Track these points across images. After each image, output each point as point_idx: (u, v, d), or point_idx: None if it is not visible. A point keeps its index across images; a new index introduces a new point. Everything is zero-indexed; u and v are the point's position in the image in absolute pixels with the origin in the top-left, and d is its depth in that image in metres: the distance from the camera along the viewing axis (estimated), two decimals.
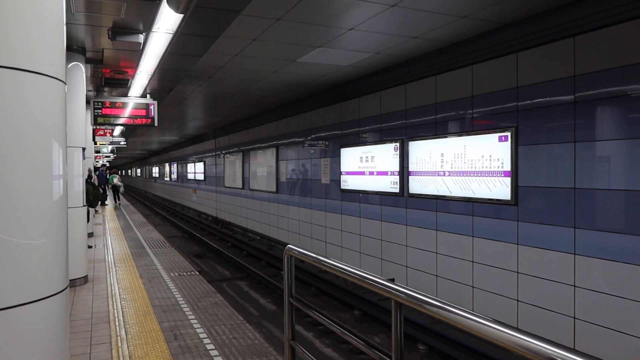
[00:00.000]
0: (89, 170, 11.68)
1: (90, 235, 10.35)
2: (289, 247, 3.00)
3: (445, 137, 6.35)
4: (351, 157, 8.58)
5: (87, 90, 8.33)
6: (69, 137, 6.15)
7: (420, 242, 6.90)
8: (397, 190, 7.32)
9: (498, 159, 5.57)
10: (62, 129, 2.01)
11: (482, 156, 5.78)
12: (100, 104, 7.80)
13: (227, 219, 16.73)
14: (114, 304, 5.34)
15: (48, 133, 1.91)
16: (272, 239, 12.37)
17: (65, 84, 2.03)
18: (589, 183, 4.65)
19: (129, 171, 59.52)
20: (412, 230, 7.10)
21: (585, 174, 4.68)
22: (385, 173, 7.64)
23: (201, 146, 20.64)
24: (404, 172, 7.22)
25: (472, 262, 5.98)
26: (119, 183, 22.15)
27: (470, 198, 5.95)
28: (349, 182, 8.68)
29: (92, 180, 11.27)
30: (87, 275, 6.42)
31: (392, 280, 2.11)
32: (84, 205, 6.47)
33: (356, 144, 8.46)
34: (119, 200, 22.31)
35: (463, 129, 6.13)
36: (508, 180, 5.44)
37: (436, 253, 6.59)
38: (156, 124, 8.11)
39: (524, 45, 5.27)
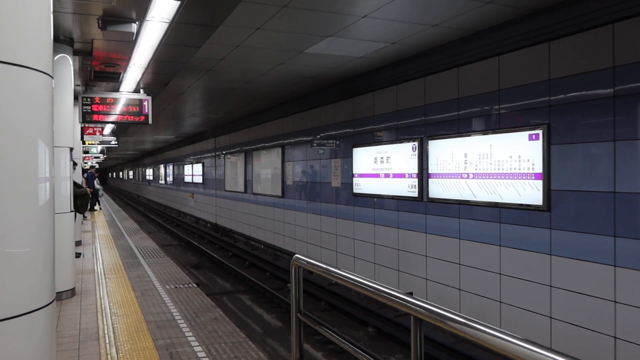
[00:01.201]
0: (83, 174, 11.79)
1: (78, 243, 10.42)
2: (297, 257, 3.00)
3: (469, 135, 6.33)
4: (364, 158, 8.58)
5: (75, 85, 8.41)
6: (56, 137, 6.20)
7: (442, 252, 6.87)
8: (416, 195, 7.30)
9: (528, 160, 5.53)
10: (49, 128, 2.03)
11: (511, 156, 5.75)
12: (89, 99, 7.87)
13: (228, 226, 16.78)
14: (104, 319, 5.37)
15: (33, 132, 1.92)
16: (278, 248, 12.38)
17: (52, 78, 2.05)
18: (631, 186, 4.60)
19: (121, 173, 59.99)
20: (432, 238, 7.07)
21: (626, 176, 4.63)
22: (402, 175, 7.63)
23: (199, 146, 20.75)
24: (423, 175, 7.20)
25: (500, 274, 5.94)
26: (98, 186, 22.15)
27: (497, 203, 5.92)
28: (362, 186, 8.67)
29: (81, 184, 11.37)
30: (74, 288, 6.46)
31: (410, 294, 2.10)
32: (72, 211, 6.52)
33: (370, 143, 8.45)
34: (99, 205, 21.65)
35: (489, 126, 6.10)
36: (539, 183, 5.40)
37: (459, 264, 6.56)
38: (150, 121, 8.16)
39: (556, 33, 5.24)
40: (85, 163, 28.08)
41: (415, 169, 7.33)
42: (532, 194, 5.49)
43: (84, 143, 14.12)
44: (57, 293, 6.12)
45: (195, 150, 21.51)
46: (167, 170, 28.06)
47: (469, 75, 6.40)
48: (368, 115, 8.56)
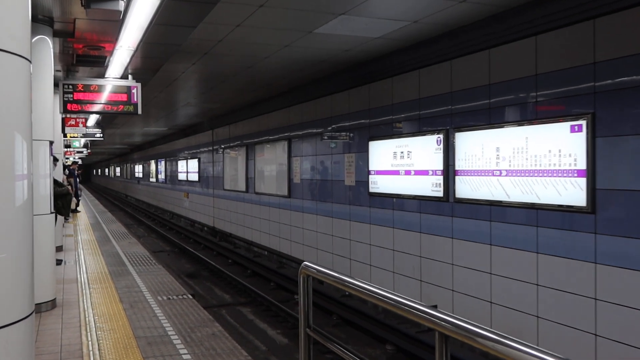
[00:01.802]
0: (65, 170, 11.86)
1: (59, 249, 10.51)
2: (305, 265, 3.00)
3: (502, 126, 6.30)
4: (382, 153, 8.58)
5: (55, 71, 8.47)
6: (34, 129, 6.26)
7: (470, 260, 6.85)
8: (441, 194, 7.29)
9: (569, 155, 5.50)
10: (27, 119, 2.05)
11: (549, 151, 5.72)
12: (71, 87, 7.93)
13: (227, 230, 16.85)
14: (88, 334, 5.42)
15: (9, 123, 1.94)
16: (283, 255, 12.42)
17: (30, 62, 2.07)
18: None
19: (106, 170, 60.41)
20: (459, 244, 7.05)
21: None
22: (425, 172, 7.62)
23: (195, 139, 20.84)
24: (449, 171, 7.19)
25: (537, 285, 5.91)
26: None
27: (533, 204, 5.89)
28: (379, 184, 8.67)
29: (63, 181, 11.47)
30: (55, 299, 6.52)
31: (434, 307, 2.10)
32: (52, 213, 6.58)
33: (388, 135, 8.45)
34: (77, 205, 21.53)
35: (524, 116, 6.07)
36: (582, 181, 5.37)
37: (490, 273, 6.54)
38: (139, 111, 8.20)
39: (602, 9, 5.20)
40: (67, 159, 28.29)
41: (440, 165, 7.32)
42: (574, 193, 5.46)
43: (65, 136, 14.22)
44: (35, 305, 6.17)
45: (190, 143, 21.60)
46: (159, 167, 28.21)
47: (502, 58, 6.37)
48: (386, 104, 8.56)
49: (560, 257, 5.66)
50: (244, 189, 15.19)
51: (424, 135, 7.62)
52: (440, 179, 7.33)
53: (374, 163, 8.79)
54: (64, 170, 15.11)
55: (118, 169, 48.68)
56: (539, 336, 5.88)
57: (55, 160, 9.91)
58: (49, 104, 6.56)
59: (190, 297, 7.05)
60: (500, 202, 6.33)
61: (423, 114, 7.74)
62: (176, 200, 24.37)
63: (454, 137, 7.06)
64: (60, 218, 10.58)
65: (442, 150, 7.29)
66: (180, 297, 7.03)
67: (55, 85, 7.93)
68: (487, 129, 6.52)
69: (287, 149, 12.12)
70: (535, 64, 5.94)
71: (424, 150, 7.63)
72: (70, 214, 18.02)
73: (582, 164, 5.38)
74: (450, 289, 7.19)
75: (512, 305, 6.23)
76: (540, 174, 5.84)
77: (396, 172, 8.25)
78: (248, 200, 14.92)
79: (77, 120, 13.45)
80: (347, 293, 9.13)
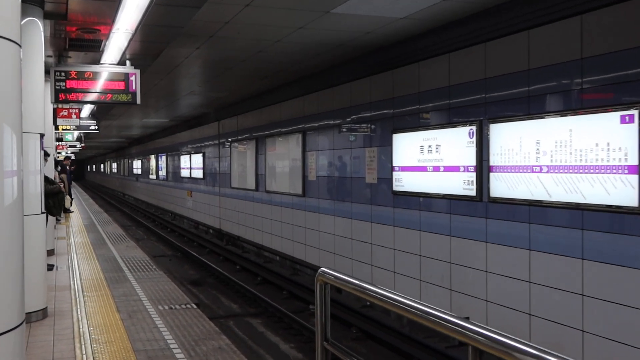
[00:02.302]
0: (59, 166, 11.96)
1: (51, 253, 10.62)
2: (323, 271, 3.01)
3: (543, 117, 6.25)
4: (407, 146, 8.56)
5: (46, 57, 8.56)
6: (23, 120, 6.33)
7: (507, 267, 6.81)
8: (473, 193, 7.26)
9: (619, 149, 5.44)
10: (17, 109, 2.07)
11: (596, 144, 5.66)
12: (63, 74, 8.00)
13: (235, 232, 16.91)
14: (83, 347, 5.47)
15: None
16: (297, 261, 12.44)
17: (20, 47, 2.09)
18: None
19: (102, 166, 60.92)
20: (494, 249, 7.01)
21: None
22: (455, 169, 7.59)
23: (199, 132, 20.95)
24: (482, 168, 7.15)
25: (582, 295, 5.87)
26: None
27: (578, 204, 5.84)
28: (404, 182, 8.66)
29: (54, 178, 11.58)
30: (46, 308, 6.59)
31: (466, 320, 2.10)
32: (43, 213, 6.65)
33: (415, 127, 8.42)
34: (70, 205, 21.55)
35: (568, 105, 6.01)
36: (634, 178, 5.31)
37: (529, 282, 6.50)
38: (138, 101, 8.26)
39: None
40: (59, 153, 28.57)
41: (472, 161, 7.28)
42: (624, 192, 5.40)
43: (57, 128, 14.35)
44: (25, 314, 6.24)
45: (194, 137, 21.71)
46: (159, 162, 28.39)
47: (543, 39, 6.31)
48: (412, 93, 8.53)
49: (609, 264, 5.60)
50: (253, 187, 15.25)
51: (455, 126, 7.59)
52: (472, 176, 7.29)
53: (399, 158, 8.78)
54: (55, 166, 15.25)
55: (114, 165, 49.08)
56: (584, 352, 5.83)
57: (46, 155, 9.99)
58: (39, 92, 6.61)
59: (195, 306, 7.08)
60: (541, 201, 6.28)
61: (453, 103, 7.70)
62: (178, 200, 24.52)
63: (488, 129, 7.02)
64: (52, 219, 10.69)
65: (474, 144, 7.25)
66: (183, 306, 7.07)
67: (46, 72, 8.00)
68: (526, 120, 6.47)
69: (302, 142, 12.14)
70: (580, 46, 5.88)
71: (455, 143, 7.59)
72: (63, 214, 18.20)
73: (633, 159, 5.32)
74: (484, 299, 7.16)
75: (554, 317, 6.18)
76: (586, 171, 5.78)
77: (423, 169, 8.23)
78: (258, 199, 14.97)
79: (70, 110, 13.58)
80: (368, 303, 9.12)
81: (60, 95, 7.99)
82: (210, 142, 19.60)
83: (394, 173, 8.89)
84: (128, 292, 7.89)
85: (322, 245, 11.33)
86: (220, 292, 11.80)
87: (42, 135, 6.57)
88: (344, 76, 10.32)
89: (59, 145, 24.26)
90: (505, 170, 6.78)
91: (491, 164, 6.97)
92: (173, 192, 25.59)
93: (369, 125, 9.72)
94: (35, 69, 6.46)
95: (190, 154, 22.20)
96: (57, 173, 15.68)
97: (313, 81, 11.46)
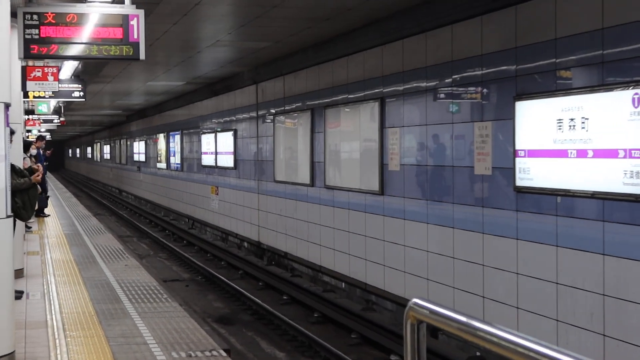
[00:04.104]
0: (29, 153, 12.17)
1: (19, 274, 10.86)
2: (416, 304, 2.97)
3: None
4: (538, 120, 8.46)
5: None
6: None
7: None
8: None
9: None
10: None
11: None
12: (36, 17, 8.12)
13: (280, 247, 16.97)
14: None
15: None
16: (372, 289, 12.39)
17: None
18: None
19: (89, 150, 62.04)
20: None
21: None
22: (612, 153, 7.49)
23: (228, 100, 21.11)
24: None
25: None
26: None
27: None
28: (533, 173, 8.54)
29: (23, 168, 11.82)
30: (13, 353, 6.71)
31: None
32: (9, 216, 6.77)
33: (549, 92, 8.31)
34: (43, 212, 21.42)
35: None
36: None
37: None
38: (142, 55, 8.31)
39: None
40: (29, 132, 29.17)
41: (638, 141, 7.13)
42: None
43: (26, 96, 14.69)
44: None
45: (222, 107, 21.89)
46: (171, 145, 28.69)
47: None
48: (545, 40, 8.41)
49: None
50: (307, 180, 15.26)
51: (611, 90, 7.47)
52: (638, 164, 7.14)
53: (524, 138, 8.64)
54: (25, 149, 15.55)
55: (107, 149, 49.85)
56: None
57: (12, 133, 10.21)
58: (3, 44, 6.73)
59: (224, 354, 7.13)
60: None
61: (609, 55, 7.56)
62: (199, 199, 24.78)
63: None
64: (20, 225, 10.95)
65: None
66: (208, 354, 7.13)
67: (13, 15, 8.18)
68: None
69: (379, 114, 12.07)
70: None
71: (611, 116, 7.47)
72: (35, 219, 18.57)
73: None
74: None
75: None
76: None
77: (562, 153, 8.11)
78: (314, 198, 14.99)
79: (46, 70, 13.84)
80: (477, 354, 9.03)
81: (31, 48, 8.12)
82: (245, 115, 19.74)
83: (518, 160, 8.75)
84: (128, 332, 7.99)
85: (410, 267, 11.26)
86: (260, 333, 11.85)
87: (7, 106, 6.68)
88: (442, 16, 10.23)
89: (28, 119, 24.78)
90: None
91: None
92: (191, 187, 25.88)
93: (478, 89, 9.62)
94: None
95: (215, 132, 22.38)
96: (29, 159, 15.96)
97: (396, 23, 11.40)
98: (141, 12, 8.32)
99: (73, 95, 17.40)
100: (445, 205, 10.36)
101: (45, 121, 27.64)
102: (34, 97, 15.99)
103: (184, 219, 26.80)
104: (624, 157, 7.32)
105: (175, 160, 28.11)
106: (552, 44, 8.31)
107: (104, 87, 22.98)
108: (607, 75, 7.59)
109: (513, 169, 8.84)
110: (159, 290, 10.40)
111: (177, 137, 27.73)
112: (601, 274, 7.65)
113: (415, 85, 11.08)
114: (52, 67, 13.83)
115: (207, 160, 23.33)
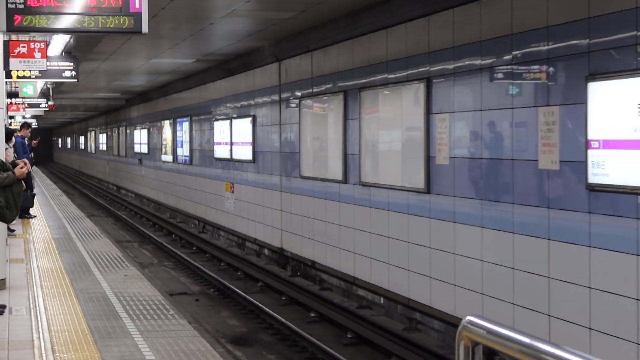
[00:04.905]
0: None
1: (1, 285, 10.95)
2: (470, 323, 2.98)
3: None
4: (616, 105, 8.44)
5: None
6: None
7: None
8: None
9: None
10: None
11: None
12: None
13: (307, 255, 16.98)
14: None
15: None
16: (415, 306, 12.37)
17: None
18: None
19: (81, 140, 62.38)
20: None
21: None
22: None
23: (245, 80, 21.15)
24: None
25: None
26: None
27: None
28: (609, 168, 8.51)
29: (6, 161, 11.92)
30: None
31: None
32: None
33: (629, 71, 8.29)
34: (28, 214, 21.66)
35: None
36: None
37: None
38: (144, 28, 8.36)
39: None
40: (11, 118, 29.35)
41: None
42: None
43: (9, 76, 14.80)
44: None
45: (238, 89, 21.95)
46: (179, 134, 28.76)
47: None
48: (623, 9, 8.37)
49: None
50: (339, 176, 15.27)
51: None
52: None
53: (599, 126, 8.61)
54: (7, 138, 15.65)
55: (103, 138, 50.07)
56: None
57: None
58: None
59: None
60: None
61: None
62: (210, 198, 24.85)
63: None
64: (2, 227, 11.04)
65: None
66: None
67: None
68: None
69: (424, 98, 12.07)
70: None
71: None
72: (19, 220, 18.69)
73: None
74: None
75: None
76: None
77: None
78: (347, 198, 15.00)
79: (32, 46, 13.94)
80: None
81: (15, 19, 8.17)
82: (265, 99, 19.79)
83: (590, 152, 8.71)
84: (128, 354, 8.05)
85: (461, 279, 11.25)
86: (283, 357, 11.88)
87: None
88: None
89: (11, 104, 24.97)
90: None
91: None
92: (201, 184, 25.97)
93: (544, 68, 9.59)
94: None
95: (230, 118, 22.46)
96: (11, 150, 16.06)
97: None
98: None
99: (63, 75, 17.47)
100: (503, 206, 10.34)
101: (31, 105, 27.86)
102: (18, 77, 16.08)
103: (193, 222, 26.90)
104: None
105: (183, 152, 28.19)
106: (632, 13, 8.26)
107: (100, 65, 23.08)
108: None
109: (585, 162, 8.79)
110: (165, 305, 10.45)
111: (186, 125, 27.81)
112: None
113: (468, 63, 11.07)
114: (39, 42, 13.90)
115: (221, 152, 23.40)
